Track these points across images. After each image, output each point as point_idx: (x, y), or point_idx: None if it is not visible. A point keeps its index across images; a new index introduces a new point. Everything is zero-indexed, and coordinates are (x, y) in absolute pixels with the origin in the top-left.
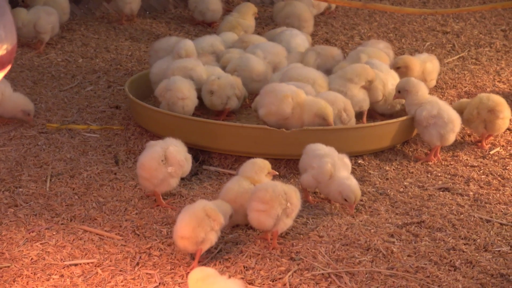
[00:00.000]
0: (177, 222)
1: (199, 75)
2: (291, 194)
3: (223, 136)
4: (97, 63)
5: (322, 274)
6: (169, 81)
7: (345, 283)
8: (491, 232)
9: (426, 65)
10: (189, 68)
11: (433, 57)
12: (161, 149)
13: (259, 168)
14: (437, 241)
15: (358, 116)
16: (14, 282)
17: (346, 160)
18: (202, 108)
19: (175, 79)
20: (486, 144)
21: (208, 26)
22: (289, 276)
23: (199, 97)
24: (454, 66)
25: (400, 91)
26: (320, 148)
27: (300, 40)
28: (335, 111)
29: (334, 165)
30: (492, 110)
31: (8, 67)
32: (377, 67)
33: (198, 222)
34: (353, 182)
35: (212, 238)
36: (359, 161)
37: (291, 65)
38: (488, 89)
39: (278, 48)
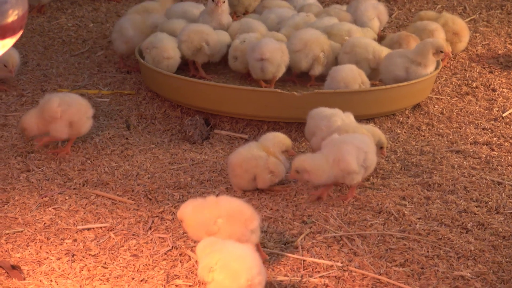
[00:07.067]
0: None
1: (215, 40)
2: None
3: (234, 100)
4: (107, 28)
5: (334, 237)
6: (156, 39)
7: (357, 245)
8: (503, 194)
9: None
10: (205, 33)
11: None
12: None
13: (278, 142)
14: (448, 204)
15: None
16: (27, 246)
17: (352, 118)
18: (218, 73)
19: (162, 37)
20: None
21: None
22: (301, 239)
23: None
24: None
25: None
26: (325, 109)
27: (312, 0)
28: (355, 86)
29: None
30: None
31: (20, 33)
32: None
33: None
34: None
35: None
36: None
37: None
38: (499, 51)
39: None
